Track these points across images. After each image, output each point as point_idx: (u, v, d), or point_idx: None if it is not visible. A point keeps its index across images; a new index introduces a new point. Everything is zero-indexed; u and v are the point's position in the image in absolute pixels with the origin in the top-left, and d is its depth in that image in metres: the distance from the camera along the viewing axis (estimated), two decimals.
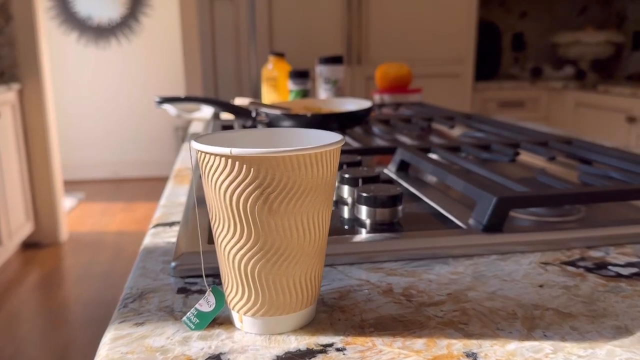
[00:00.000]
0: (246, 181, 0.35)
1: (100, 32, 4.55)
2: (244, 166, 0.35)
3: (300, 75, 1.43)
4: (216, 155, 0.35)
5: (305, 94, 1.44)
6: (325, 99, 1.12)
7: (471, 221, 0.56)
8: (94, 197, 4.25)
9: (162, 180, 4.72)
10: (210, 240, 0.53)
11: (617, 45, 3.23)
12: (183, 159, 0.97)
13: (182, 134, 4.58)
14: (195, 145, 0.37)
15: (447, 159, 0.74)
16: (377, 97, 1.54)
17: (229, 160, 0.35)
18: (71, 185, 4.60)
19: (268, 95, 1.51)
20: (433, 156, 0.80)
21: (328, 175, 0.37)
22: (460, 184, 0.59)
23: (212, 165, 0.36)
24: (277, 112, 0.94)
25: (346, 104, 1.08)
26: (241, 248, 0.36)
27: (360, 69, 2.69)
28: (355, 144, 0.87)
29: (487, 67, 3.12)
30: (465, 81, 2.78)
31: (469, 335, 0.38)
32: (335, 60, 1.46)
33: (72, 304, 2.45)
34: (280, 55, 1.50)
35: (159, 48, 4.62)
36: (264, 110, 0.95)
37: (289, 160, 0.35)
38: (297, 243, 0.37)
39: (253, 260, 0.37)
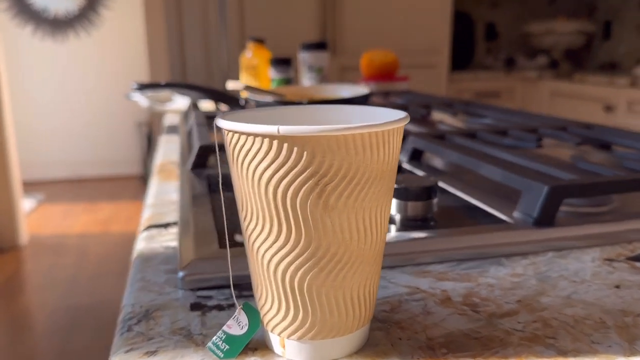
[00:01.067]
0: (297, 169, 0.27)
1: (57, 25, 4.34)
2: (295, 149, 0.27)
3: (282, 62, 1.35)
4: (256, 135, 0.27)
5: (287, 82, 1.36)
6: (316, 85, 1.03)
7: (517, 214, 0.49)
8: (55, 197, 4.06)
9: (126, 179, 4.56)
10: (222, 243, 0.44)
11: (589, 35, 3.25)
12: (165, 152, 0.88)
13: (147, 129, 4.42)
14: (226, 124, 0.28)
15: (465, 146, 0.67)
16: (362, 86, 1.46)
17: (275, 142, 0.27)
18: (30, 186, 4.39)
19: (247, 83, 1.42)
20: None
21: (394, 160, 0.29)
22: (498, 173, 0.52)
23: (249, 149, 0.28)
24: (270, 98, 0.85)
25: (340, 90, 1.00)
26: (286, 254, 0.28)
27: (335, 58, 2.62)
28: None
29: (461, 57, 3.08)
30: (440, 71, 2.73)
31: (563, 353, 0.31)
32: (318, 46, 1.38)
33: (35, 311, 2.31)
34: (259, 41, 1.41)
35: (121, 41, 4.44)
36: (254, 97, 0.86)
37: (352, 140, 0.27)
38: (356, 247, 0.29)
39: (302, 269, 0.28)
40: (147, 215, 0.56)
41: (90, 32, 4.40)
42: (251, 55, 1.41)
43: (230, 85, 0.72)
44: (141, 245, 0.48)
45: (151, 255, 0.45)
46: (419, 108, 1.04)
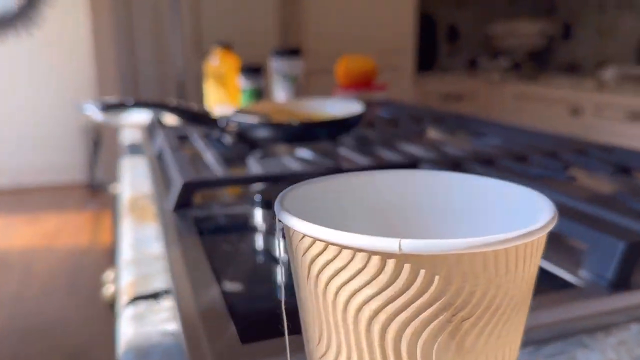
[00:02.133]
0: (422, 300, 0.17)
1: None
2: (422, 273, 0.17)
3: (253, 71, 1.24)
4: (359, 250, 0.17)
5: (259, 93, 1.26)
6: (298, 100, 0.94)
7: (585, 274, 0.41)
8: None
9: (72, 188, 4.32)
10: (245, 337, 0.34)
11: (549, 37, 3.26)
12: (133, 182, 0.76)
13: (94, 135, 4.21)
14: (308, 228, 0.19)
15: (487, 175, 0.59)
16: (338, 94, 1.38)
17: (390, 262, 0.17)
18: None
19: (214, 95, 1.31)
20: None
21: (535, 271, 0.20)
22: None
23: (342, 268, 0.18)
24: (253, 120, 0.75)
25: (328, 106, 0.91)
26: None
27: None
28: (354, 156, 0.71)
29: (424, 58, 3.04)
30: (405, 73, 2.68)
31: None
32: (292, 53, 1.28)
33: None
34: (227, 46, 1.30)
35: (66, 39, 4.20)
36: (236, 118, 0.76)
37: (504, 255, 0.18)
38: None
39: None
40: (127, 278, 0.45)
41: (32, 31, 4.15)
42: (218, 63, 1.30)
43: (218, 110, 0.61)
44: (128, 330, 0.37)
45: (145, 347, 0.35)
46: (410, 123, 0.95)
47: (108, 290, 0.73)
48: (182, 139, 0.87)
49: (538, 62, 3.45)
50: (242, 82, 1.25)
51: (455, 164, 0.63)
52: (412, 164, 0.64)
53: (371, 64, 1.35)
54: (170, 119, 1.19)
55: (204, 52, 2.40)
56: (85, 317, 2.35)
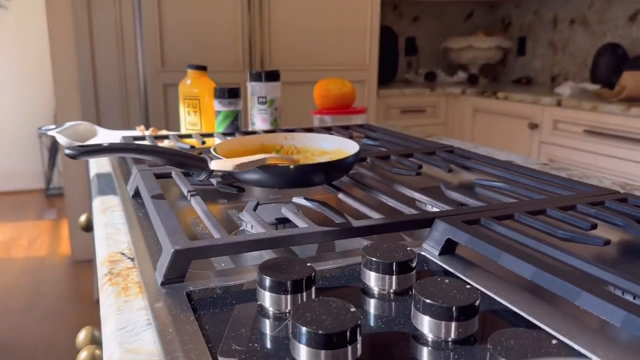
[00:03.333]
0: None
1: None
2: None
3: (230, 94, 1.18)
4: None
5: (236, 116, 1.19)
6: (283, 133, 0.88)
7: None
8: None
9: (27, 194, 4.10)
10: None
11: (505, 50, 3.32)
12: (108, 234, 0.69)
13: (49, 138, 4.00)
14: None
15: (524, 247, 0.55)
16: (316, 118, 1.33)
17: None
18: None
19: (188, 119, 1.23)
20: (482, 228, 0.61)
21: None
22: (619, 315, 0.40)
23: None
24: (249, 165, 0.69)
25: (317, 140, 0.86)
26: None
27: None
28: (361, 207, 0.66)
29: (384, 72, 3.02)
30: (370, 88, 2.65)
31: None
32: (270, 76, 1.22)
33: None
34: (201, 68, 1.23)
35: (22, 47, 3.98)
36: (220, 165, 0.69)
37: None
38: None
39: None
40: None
41: None
42: (190, 83, 1.23)
43: (214, 165, 0.55)
44: None
45: None
46: (402, 158, 0.91)
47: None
48: (161, 177, 0.80)
49: (493, 76, 3.50)
50: (217, 105, 1.18)
51: (474, 221, 0.59)
52: (429, 219, 0.60)
53: (349, 86, 1.30)
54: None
55: (165, 63, 2.30)
56: (46, 336, 2.21)
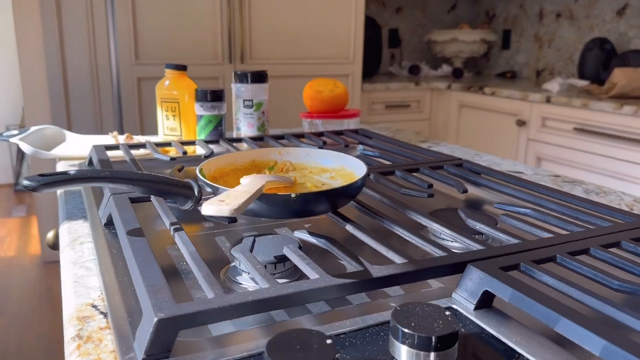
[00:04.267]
0: None
1: None
2: None
3: (213, 97, 1.07)
4: None
5: (219, 121, 1.08)
6: (276, 148, 0.79)
7: None
8: None
9: None
10: None
11: (489, 43, 3.25)
12: (77, 288, 0.58)
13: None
14: None
15: (560, 290, 0.46)
16: (306, 122, 1.23)
17: None
18: None
19: (166, 123, 1.12)
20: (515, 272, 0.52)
21: None
22: None
23: None
24: (245, 198, 0.59)
25: (317, 156, 0.76)
26: None
27: (243, 68, 2.34)
28: (375, 245, 0.57)
29: (367, 65, 2.93)
30: (354, 82, 2.56)
31: None
32: (257, 77, 1.12)
33: None
34: (180, 68, 1.12)
35: None
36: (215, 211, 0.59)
37: None
38: None
39: None
40: None
41: None
42: (168, 84, 1.12)
43: (208, 211, 0.45)
44: None
45: None
46: (407, 174, 0.82)
47: None
48: (137, 201, 0.70)
49: (477, 70, 3.44)
50: (198, 109, 1.08)
51: (512, 267, 0.51)
52: (460, 264, 0.51)
53: (341, 88, 1.21)
54: (115, 152, 1.00)
55: (139, 56, 2.17)
56: (15, 341, 2.08)
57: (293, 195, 0.58)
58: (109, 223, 0.67)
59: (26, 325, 2.26)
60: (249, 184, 0.58)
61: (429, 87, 2.85)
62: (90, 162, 0.96)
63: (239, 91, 1.12)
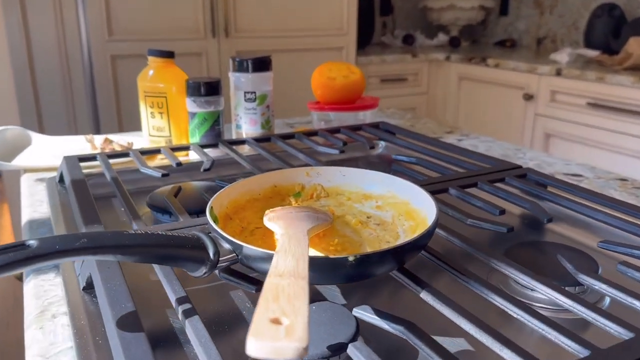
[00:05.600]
0: None
1: None
2: None
3: (208, 90, 0.88)
4: None
5: (216, 119, 0.90)
6: (299, 168, 0.62)
7: None
8: None
9: None
10: None
11: (487, 10, 3.06)
12: (42, 338, 0.41)
13: None
14: None
15: None
16: (315, 115, 1.05)
17: None
18: None
19: (151, 122, 0.93)
20: None
21: None
22: None
23: None
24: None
25: (352, 175, 0.59)
26: None
27: (227, 42, 2.12)
28: (450, 314, 0.40)
29: (359, 35, 2.72)
30: (349, 55, 2.36)
31: None
32: (260, 64, 0.93)
33: None
34: (166, 55, 0.92)
35: None
36: (246, 250, 0.42)
37: None
38: None
39: None
40: None
41: None
42: (152, 74, 0.92)
43: (256, 351, 0.27)
44: None
45: None
46: (464, 193, 0.66)
47: None
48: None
49: (473, 39, 3.25)
50: (190, 105, 0.89)
51: None
52: None
53: (357, 73, 1.03)
54: (90, 164, 0.81)
55: (113, 31, 1.94)
56: None
57: (351, 259, 0.41)
58: (89, 287, 0.50)
59: (2, 326, 2.09)
60: (291, 244, 0.40)
61: (427, 58, 2.67)
62: (62, 179, 0.77)
63: (238, 82, 0.93)
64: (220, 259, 0.44)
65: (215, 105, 0.90)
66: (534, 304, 0.50)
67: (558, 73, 2.16)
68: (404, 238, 0.52)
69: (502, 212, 0.61)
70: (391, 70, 2.56)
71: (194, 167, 0.84)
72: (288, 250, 0.39)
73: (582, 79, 2.08)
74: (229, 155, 0.84)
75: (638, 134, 1.92)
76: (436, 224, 0.47)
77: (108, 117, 2.00)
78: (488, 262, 0.50)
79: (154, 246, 0.40)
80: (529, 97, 2.29)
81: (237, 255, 0.44)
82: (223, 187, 0.69)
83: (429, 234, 0.45)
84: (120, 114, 2.01)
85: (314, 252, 0.48)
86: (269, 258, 0.42)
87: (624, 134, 1.96)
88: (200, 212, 0.65)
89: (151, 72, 0.92)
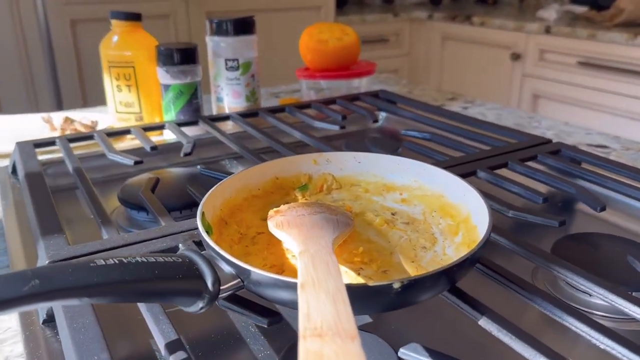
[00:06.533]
0: None
1: None
2: None
3: (184, 57, 0.76)
4: None
5: (194, 92, 0.78)
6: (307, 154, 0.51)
7: None
8: None
9: None
10: None
11: None
12: None
13: None
14: None
15: None
16: (304, 83, 0.93)
17: None
18: None
19: (118, 96, 0.81)
20: None
21: None
22: None
23: None
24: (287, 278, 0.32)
25: (368, 162, 0.49)
26: None
27: (196, 2, 1.96)
28: (517, 347, 0.31)
29: None
30: (328, 15, 2.22)
31: None
32: (242, 26, 0.80)
33: None
34: (133, 18, 0.79)
35: None
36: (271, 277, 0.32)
37: None
38: None
39: None
40: None
41: None
42: (117, 40, 0.80)
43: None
44: None
45: None
46: (495, 176, 0.56)
47: None
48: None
49: None
50: (162, 76, 0.77)
51: None
52: None
53: (352, 34, 0.92)
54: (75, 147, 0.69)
55: None
56: None
57: (396, 285, 0.31)
58: (51, 319, 0.39)
59: None
60: (318, 271, 0.30)
61: (409, 17, 2.54)
62: (14, 170, 0.65)
63: (217, 47, 0.80)
64: (221, 287, 0.33)
65: (192, 75, 0.77)
66: (594, 312, 0.42)
67: (547, 31, 2.06)
68: (442, 242, 0.42)
69: (545, 199, 0.51)
70: (372, 31, 2.43)
71: (171, 148, 0.72)
72: (317, 283, 0.29)
73: (573, 37, 1.99)
74: (211, 134, 0.72)
75: (632, 93, 1.85)
76: (489, 233, 0.37)
77: (70, 91, 1.83)
78: (534, 261, 0.40)
79: (133, 282, 0.30)
80: (516, 57, 2.20)
81: (243, 281, 0.34)
82: (207, 175, 0.58)
83: (481, 248, 0.35)
84: (84, 86, 1.85)
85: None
86: (286, 287, 0.32)
87: (617, 94, 1.89)
88: (184, 208, 0.55)
89: (115, 38, 0.79)
